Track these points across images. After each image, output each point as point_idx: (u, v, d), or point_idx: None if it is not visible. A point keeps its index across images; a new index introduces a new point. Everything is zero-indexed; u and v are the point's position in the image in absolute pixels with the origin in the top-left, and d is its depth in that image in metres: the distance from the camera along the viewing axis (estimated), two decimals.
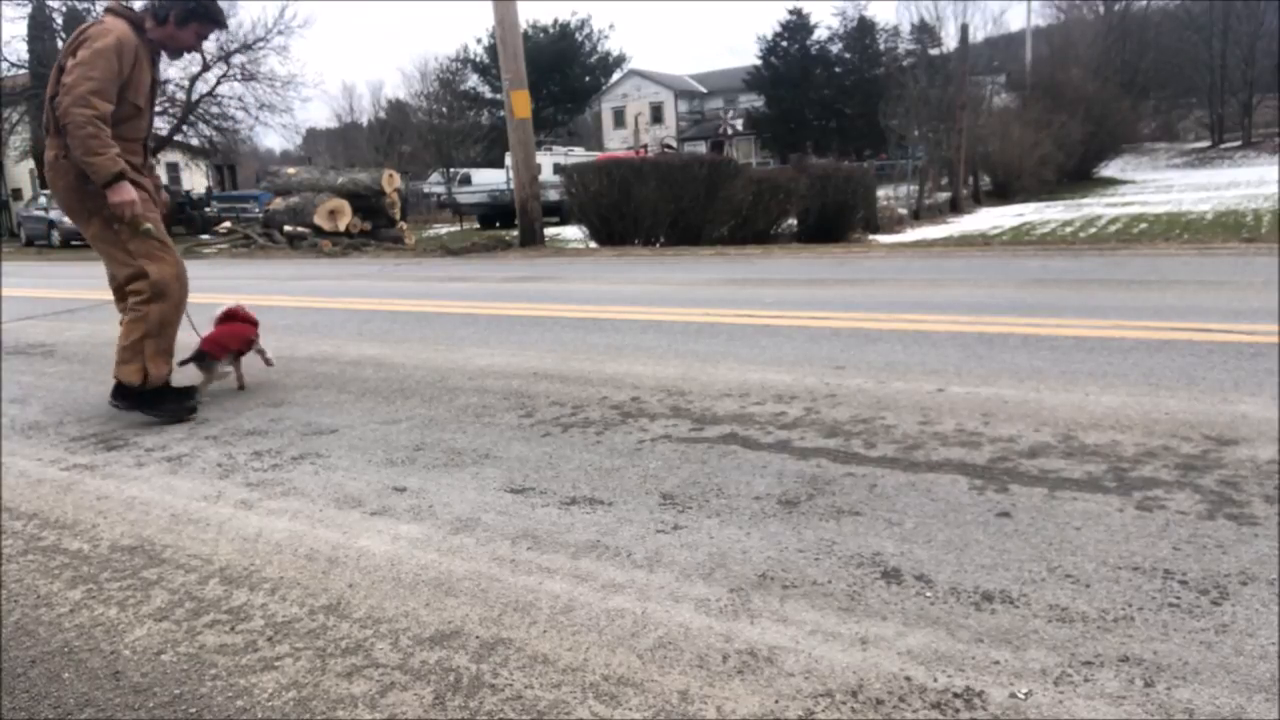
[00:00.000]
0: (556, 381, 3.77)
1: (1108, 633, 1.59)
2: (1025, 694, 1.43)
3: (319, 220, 14.95)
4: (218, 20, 3.51)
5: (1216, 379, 3.16)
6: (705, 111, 59.13)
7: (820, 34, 48.62)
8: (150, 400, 3.42)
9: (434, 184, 36.56)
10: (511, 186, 16.53)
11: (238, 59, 28.02)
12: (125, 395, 3.42)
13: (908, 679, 1.49)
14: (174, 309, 3.41)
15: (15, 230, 27.91)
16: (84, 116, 3.05)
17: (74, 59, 3.11)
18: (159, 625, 1.83)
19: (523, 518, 2.28)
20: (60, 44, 26.92)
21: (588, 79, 54.65)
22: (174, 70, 27.57)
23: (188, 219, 24.45)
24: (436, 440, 3.02)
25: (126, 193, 3.20)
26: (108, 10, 3.32)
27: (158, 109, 3.57)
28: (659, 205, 12.73)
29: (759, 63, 49.34)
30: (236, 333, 3.87)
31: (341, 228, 15.11)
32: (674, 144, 47.85)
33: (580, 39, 53.82)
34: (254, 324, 3.97)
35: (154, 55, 3.40)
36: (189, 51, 3.55)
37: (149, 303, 3.34)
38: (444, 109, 40.31)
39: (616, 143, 52.59)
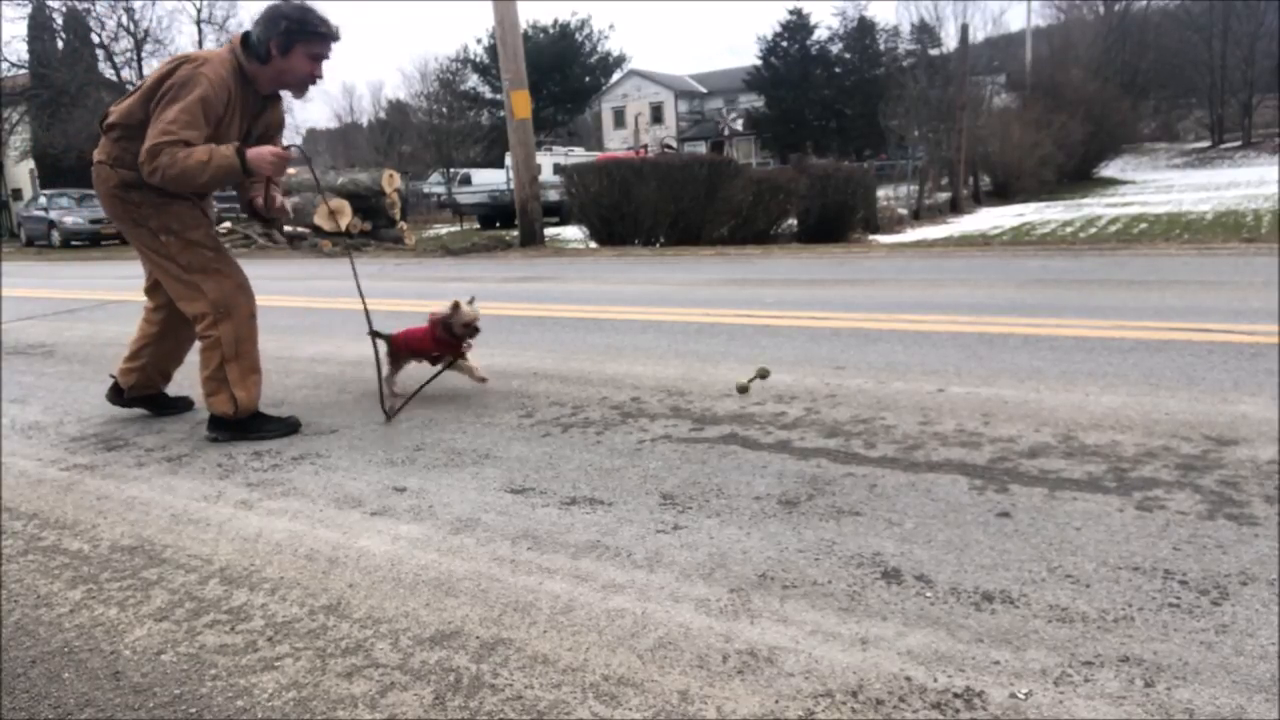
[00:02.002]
0: (556, 381, 3.77)
1: (1108, 633, 1.59)
2: (1025, 694, 1.43)
3: (319, 220, 14.96)
4: (323, 33, 2.97)
5: (1216, 379, 3.16)
6: (705, 111, 59.13)
7: (820, 34, 48.67)
8: (250, 424, 3.15)
9: (434, 184, 36.56)
10: (511, 187, 16.53)
11: None
12: (222, 426, 3.15)
13: (908, 679, 1.49)
14: (246, 323, 3.10)
15: (15, 230, 27.92)
16: (166, 155, 2.75)
17: (159, 110, 2.79)
18: (159, 625, 1.83)
19: (523, 518, 2.28)
20: (60, 44, 26.98)
21: (588, 79, 54.63)
22: None
23: None
24: (436, 440, 3.02)
25: (264, 155, 2.87)
26: (229, 43, 2.98)
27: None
28: (659, 205, 12.73)
29: (759, 63, 49.33)
30: (419, 336, 3.51)
31: (341, 228, 15.12)
32: (674, 144, 47.83)
33: (580, 39, 53.80)
34: (437, 343, 3.51)
35: (260, 107, 3.06)
36: (313, 81, 3.05)
37: (216, 325, 3.04)
38: (444, 109, 40.33)
39: (616, 143, 52.59)
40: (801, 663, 1.55)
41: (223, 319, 3.05)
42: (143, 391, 3.48)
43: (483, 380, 3.58)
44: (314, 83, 3.05)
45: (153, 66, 27.88)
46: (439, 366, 3.57)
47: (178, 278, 3.07)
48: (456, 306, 3.43)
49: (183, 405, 3.62)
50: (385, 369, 3.53)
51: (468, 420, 3.25)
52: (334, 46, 3.03)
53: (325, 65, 3.04)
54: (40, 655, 1.74)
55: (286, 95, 3.21)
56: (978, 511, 2.15)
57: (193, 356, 3.28)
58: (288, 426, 3.20)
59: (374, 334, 3.48)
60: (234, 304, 3.08)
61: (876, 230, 19.02)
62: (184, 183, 2.84)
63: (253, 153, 2.87)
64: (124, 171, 2.98)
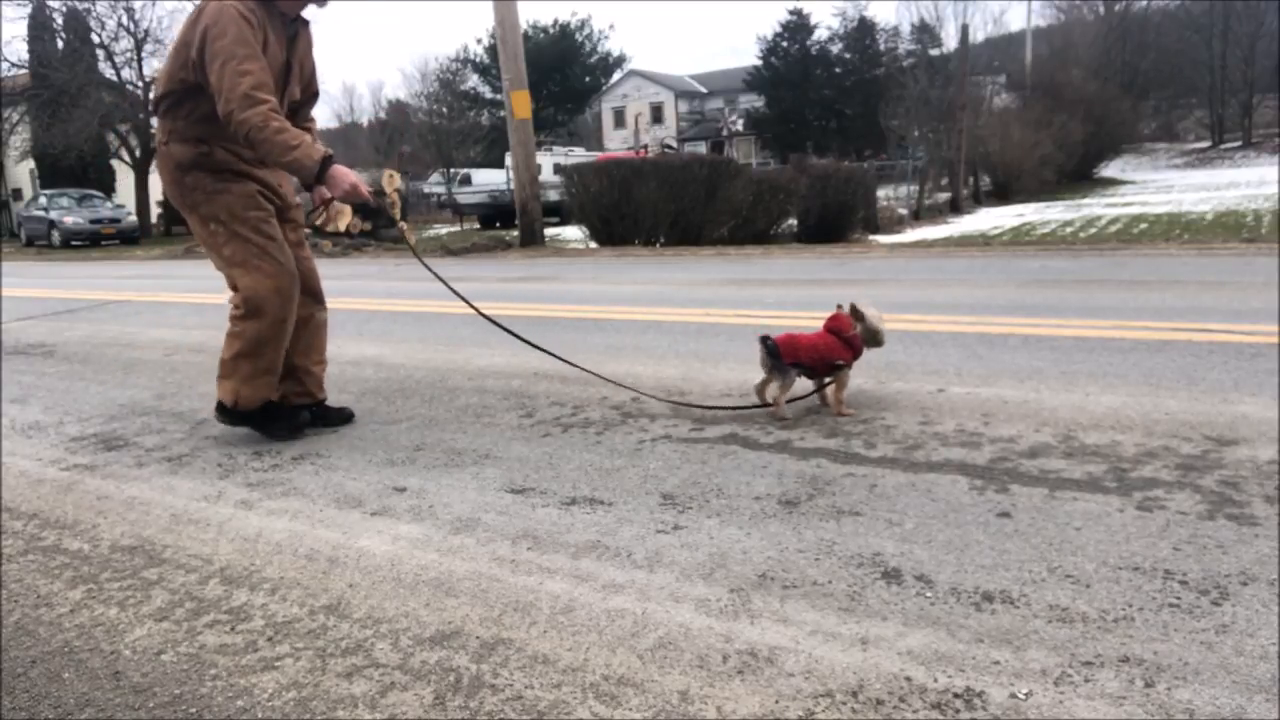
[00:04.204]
0: (556, 381, 3.77)
1: (1108, 633, 1.59)
2: (1025, 694, 1.43)
3: (319, 220, 14.95)
4: None
5: (1216, 379, 3.16)
6: (705, 111, 59.12)
7: (820, 34, 48.60)
8: (257, 418, 3.08)
9: (434, 184, 36.56)
10: (512, 187, 16.53)
11: None
12: (226, 411, 3.08)
13: (908, 679, 1.49)
14: (272, 327, 2.96)
15: (15, 230, 27.92)
16: (259, 116, 2.62)
17: (209, 57, 2.66)
18: (159, 625, 1.83)
19: (523, 518, 2.28)
20: (60, 44, 26.95)
21: (588, 79, 54.62)
22: None
23: None
24: (436, 440, 3.02)
25: (343, 179, 2.78)
26: None
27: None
28: (659, 205, 12.73)
29: (759, 63, 49.31)
30: (822, 346, 2.99)
31: (341, 228, 15.12)
32: (674, 144, 47.81)
33: (580, 39, 53.78)
34: (849, 350, 3.02)
35: (291, 32, 2.93)
36: None
37: (244, 319, 2.96)
38: (444, 109, 40.31)
39: (616, 143, 52.59)
40: (801, 663, 1.55)
41: (251, 317, 2.95)
42: (302, 400, 3.24)
43: (844, 414, 3.01)
44: None
45: (153, 67, 27.89)
46: (817, 382, 3.11)
47: (220, 268, 3.01)
48: (862, 315, 2.96)
49: (345, 416, 3.36)
50: (772, 383, 3.01)
51: (468, 420, 3.25)
52: None
53: None
54: (40, 655, 1.74)
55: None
56: (978, 511, 2.15)
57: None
58: (295, 428, 3.15)
59: (764, 339, 3.00)
60: (265, 306, 2.94)
61: (876, 230, 19.03)
62: (261, 149, 2.73)
63: (338, 168, 2.78)
64: (177, 148, 2.88)
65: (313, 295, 3.20)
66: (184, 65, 2.76)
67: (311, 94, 3.15)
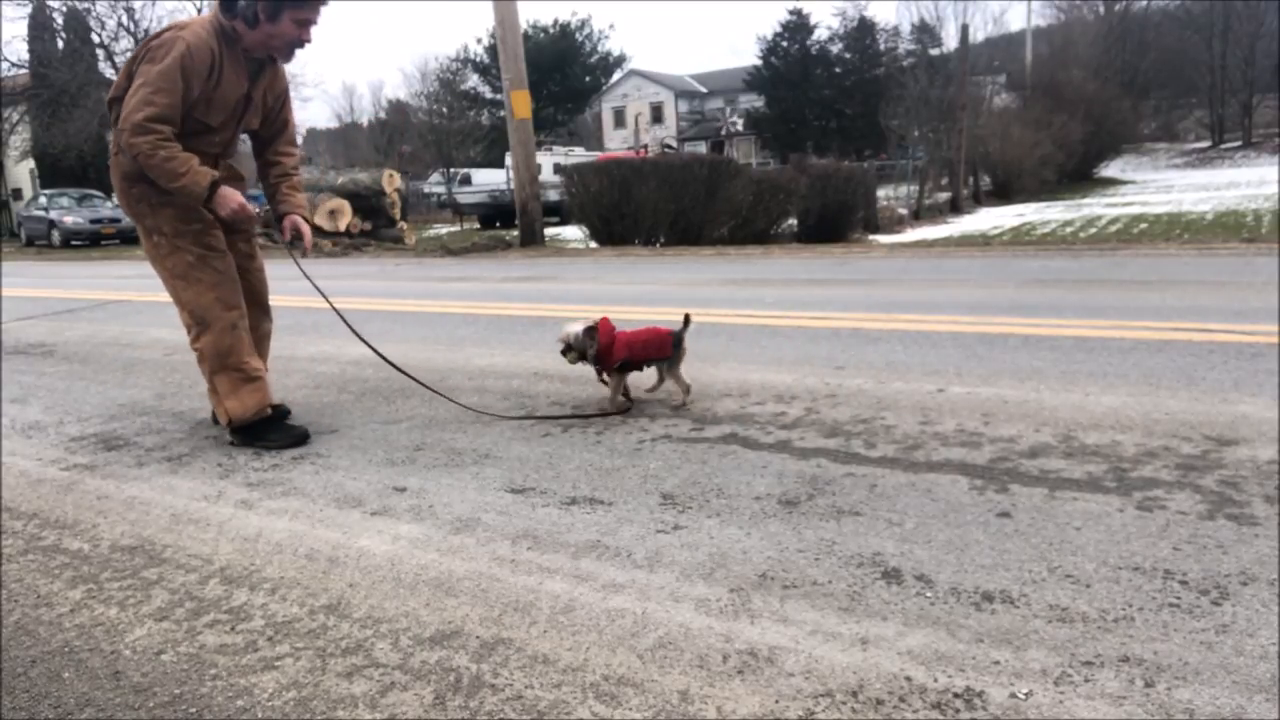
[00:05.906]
0: (557, 381, 3.77)
1: (1108, 633, 1.59)
2: (1025, 694, 1.43)
3: (319, 220, 14.96)
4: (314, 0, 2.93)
5: (1216, 379, 3.16)
6: (705, 111, 59.12)
7: (820, 34, 48.56)
8: (256, 430, 3.07)
9: (434, 184, 36.57)
10: (512, 187, 16.54)
11: None
12: (232, 432, 3.10)
13: (908, 679, 1.49)
14: (224, 333, 3.00)
15: (15, 230, 27.93)
16: (148, 144, 2.72)
17: (137, 72, 2.77)
18: (159, 625, 1.83)
19: (523, 518, 2.28)
20: (61, 44, 26.99)
21: (588, 79, 54.61)
22: None
23: None
24: (436, 440, 3.02)
25: (230, 200, 2.88)
26: (212, 10, 2.91)
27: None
28: (659, 205, 12.73)
29: (759, 63, 49.30)
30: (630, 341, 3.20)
31: (341, 228, 15.12)
32: (674, 144, 47.82)
33: (580, 39, 53.78)
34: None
35: (254, 68, 2.98)
36: (301, 45, 2.99)
37: (199, 338, 3.01)
38: (444, 109, 40.32)
39: (616, 143, 52.61)
40: (801, 663, 1.55)
41: (203, 331, 3.00)
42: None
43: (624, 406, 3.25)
44: (301, 46, 3.00)
45: None
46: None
47: (165, 280, 3.03)
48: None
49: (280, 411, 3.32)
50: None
51: (468, 420, 3.25)
52: (322, 10, 2.95)
53: (314, 30, 2.97)
54: (40, 655, 1.74)
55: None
56: (978, 511, 2.15)
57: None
58: (293, 437, 3.08)
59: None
60: (209, 315, 2.98)
61: (876, 230, 19.03)
62: (151, 174, 2.81)
63: (224, 190, 2.88)
64: (125, 160, 2.91)
65: (260, 308, 3.30)
66: (127, 75, 2.85)
67: (280, 125, 3.21)
